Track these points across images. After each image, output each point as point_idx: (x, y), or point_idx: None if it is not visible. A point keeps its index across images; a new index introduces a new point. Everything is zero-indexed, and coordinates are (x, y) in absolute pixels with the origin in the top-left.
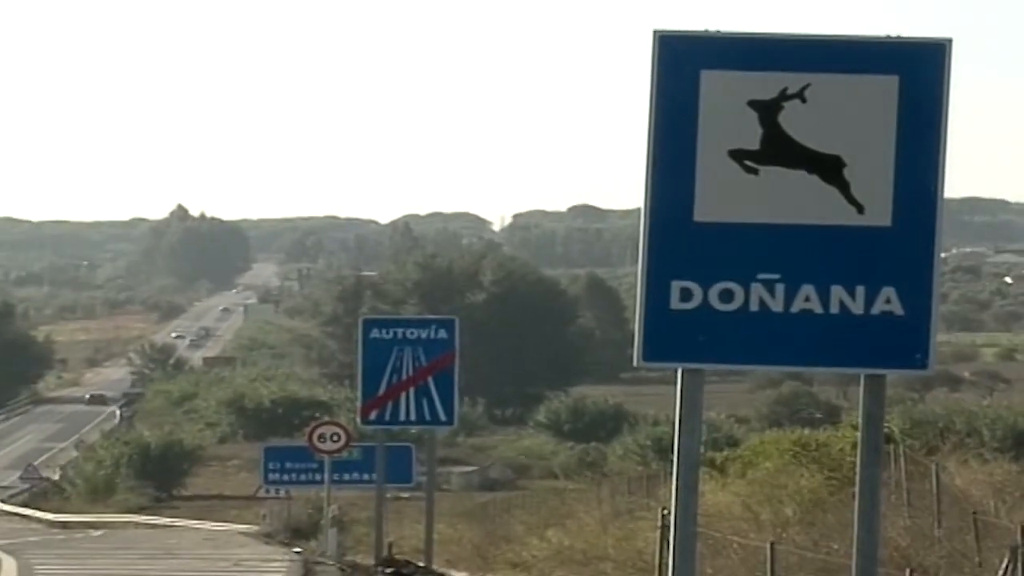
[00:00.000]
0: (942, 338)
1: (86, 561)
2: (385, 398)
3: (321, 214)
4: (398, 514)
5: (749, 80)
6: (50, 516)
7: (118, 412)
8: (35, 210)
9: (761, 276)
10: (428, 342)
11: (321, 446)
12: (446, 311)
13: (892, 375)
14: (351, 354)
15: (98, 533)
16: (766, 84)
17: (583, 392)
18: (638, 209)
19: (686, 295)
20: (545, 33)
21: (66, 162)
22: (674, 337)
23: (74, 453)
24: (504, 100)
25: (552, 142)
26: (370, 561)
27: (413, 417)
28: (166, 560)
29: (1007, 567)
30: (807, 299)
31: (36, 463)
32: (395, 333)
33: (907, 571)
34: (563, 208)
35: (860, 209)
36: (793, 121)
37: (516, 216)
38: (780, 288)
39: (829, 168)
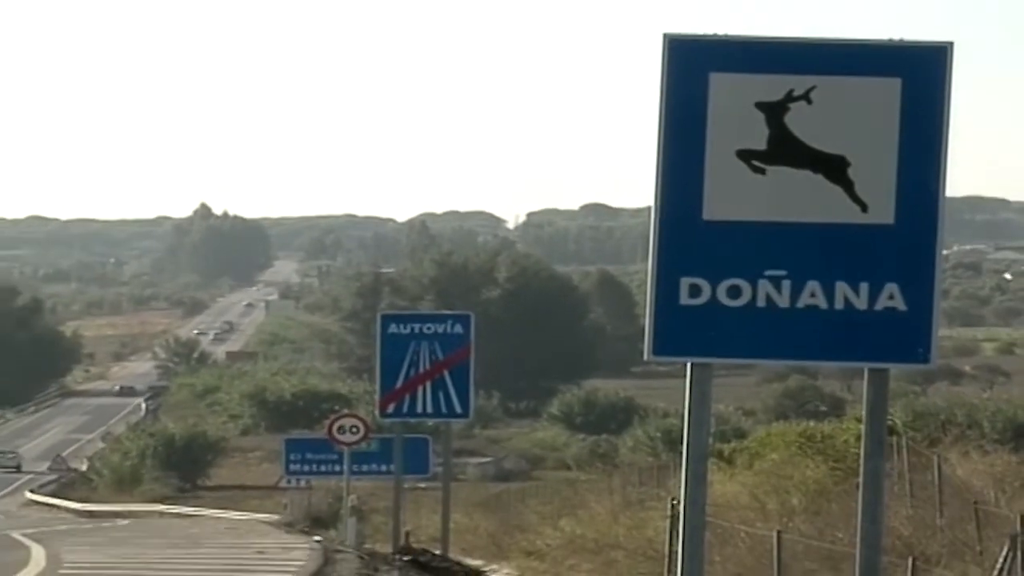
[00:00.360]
0: (943, 333)
1: (113, 549)
2: (403, 391)
3: (340, 213)
4: (415, 504)
5: (756, 82)
6: (78, 506)
7: (143, 405)
8: (63, 209)
9: (768, 273)
10: (444, 337)
11: (341, 438)
12: (462, 307)
13: (895, 369)
14: (369, 348)
15: (124, 522)
16: (773, 86)
17: (595, 385)
18: (648, 208)
19: (695, 291)
20: (560, 40)
21: (93, 162)
22: (683, 332)
23: (101, 444)
24: (519, 103)
25: (565, 143)
26: (388, 549)
27: (430, 410)
28: (190, 548)
29: (1007, 555)
30: (812, 295)
31: (64, 454)
32: (412, 328)
33: (910, 559)
34: (576, 207)
35: (864, 208)
36: (799, 122)
37: (530, 214)
38: (786, 284)
39: (834, 168)
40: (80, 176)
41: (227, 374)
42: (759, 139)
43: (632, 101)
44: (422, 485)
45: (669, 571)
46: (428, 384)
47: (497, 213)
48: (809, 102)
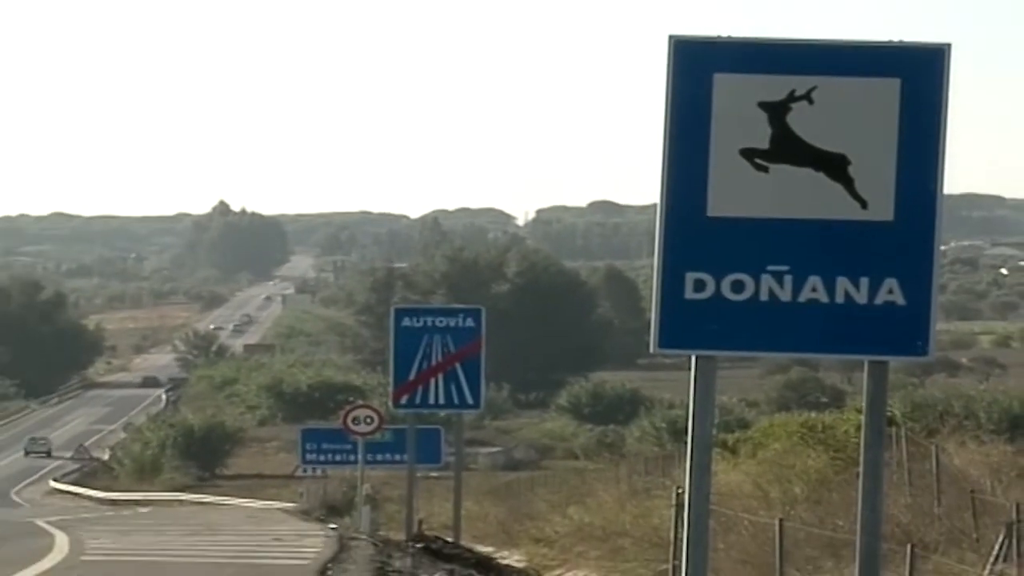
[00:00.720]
0: (941, 326)
1: (134, 536)
2: (415, 383)
3: (355, 209)
4: (428, 492)
5: (759, 83)
6: (100, 494)
7: (164, 396)
8: (85, 206)
9: (771, 268)
10: (456, 330)
11: (355, 428)
12: (473, 301)
13: (894, 361)
14: (383, 341)
15: (145, 510)
16: (775, 87)
17: (602, 377)
18: (654, 204)
19: (700, 286)
20: (569, 44)
21: (115, 161)
22: (688, 325)
23: (122, 435)
24: (529, 102)
25: (573, 142)
26: (401, 537)
27: (442, 401)
28: (209, 535)
29: (1003, 542)
30: (814, 289)
31: (87, 444)
32: (425, 322)
33: (908, 546)
34: (584, 204)
35: (864, 205)
36: (801, 121)
37: (539, 211)
38: (788, 279)
39: (835, 166)
40: (102, 174)
41: (245, 366)
42: (762, 138)
43: (638, 101)
44: (434, 474)
45: (674, 558)
46: (440, 376)
47: (507, 210)
48: (811, 102)
